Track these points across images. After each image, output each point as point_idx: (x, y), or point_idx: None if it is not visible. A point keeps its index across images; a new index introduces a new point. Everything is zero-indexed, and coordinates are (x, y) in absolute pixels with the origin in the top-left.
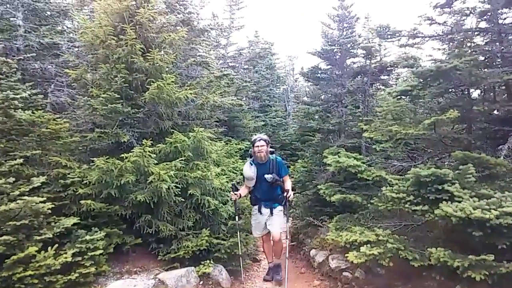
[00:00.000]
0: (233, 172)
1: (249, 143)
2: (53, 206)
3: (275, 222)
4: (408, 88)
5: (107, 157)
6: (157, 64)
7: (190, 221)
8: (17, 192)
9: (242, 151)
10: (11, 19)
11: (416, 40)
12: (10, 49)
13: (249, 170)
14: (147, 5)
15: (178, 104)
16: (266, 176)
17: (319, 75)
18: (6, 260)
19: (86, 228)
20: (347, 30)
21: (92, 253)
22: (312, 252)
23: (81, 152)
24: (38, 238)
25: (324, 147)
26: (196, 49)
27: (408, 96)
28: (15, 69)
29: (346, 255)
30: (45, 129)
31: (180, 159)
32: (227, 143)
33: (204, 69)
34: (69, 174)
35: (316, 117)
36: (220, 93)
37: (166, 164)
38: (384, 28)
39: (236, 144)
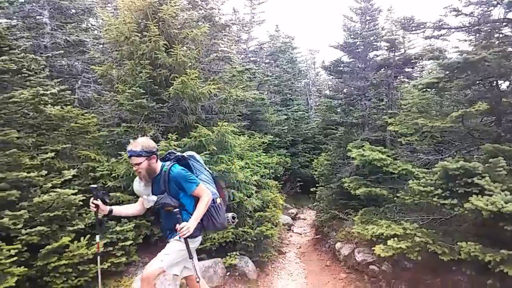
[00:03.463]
0: (256, 166)
1: (272, 137)
2: (84, 198)
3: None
4: (434, 80)
5: None
6: (180, 60)
7: None
8: (49, 185)
9: (265, 144)
10: (38, 17)
11: (441, 32)
12: (37, 47)
13: (137, 184)
14: (170, 2)
15: (201, 98)
16: (148, 198)
17: (341, 68)
18: (41, 250)
19: (116, 219)
20: (369, 22)
21: (123, 244)
22: (338, 245)
23: (109, 146)
24: (71, 228)
25: (348, 140)
26: (218, 44)
27: (434, 89)
28: (43, 66)
29: (373, 248)
30: (74, 124)
31: (204, 152)
32: (250, 137)
33: (226, 64)
34: (98, 167)
35: (339, 110)
36: (243, 87)
37: None
38: (408, 20)
39: (259, 137)
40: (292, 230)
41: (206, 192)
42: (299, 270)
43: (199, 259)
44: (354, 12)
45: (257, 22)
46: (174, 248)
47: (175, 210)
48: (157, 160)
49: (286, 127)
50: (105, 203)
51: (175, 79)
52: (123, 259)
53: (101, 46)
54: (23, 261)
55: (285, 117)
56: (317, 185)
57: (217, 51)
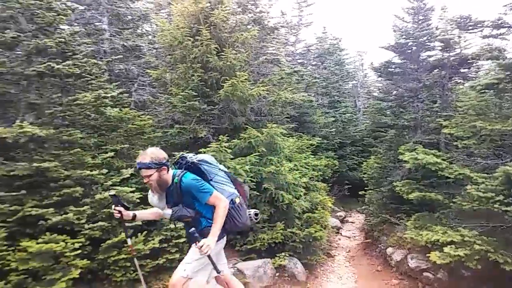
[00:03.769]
0: (305, 168)
1: (319, 139)
2: (141, 196)
3: (187, 257)
4: (494, 81)
5: (187, 151)
6: (231, 63)
7: (265, 214)
8: (109, 182)
9: (313, 147)
10: (97, 24)
11: (501, 31)
12: (97, 52)
13: (151, 196)
14: (221, 6)
15: (251, 100)
16: (165, 212)
17: (392, 69)
18: (102, 244)
19: None
20: (422, 22)
21: (176, 241)
22: (389, 250)
23: (163, 146)
24: (129, 225)
25: (399, 143)
26: (266, 47)
27: (493, 90)
28: (103, 70)
29: (428, 255)
30: (131, 125)
31: (254, 154)
32: (298, 139)
33: (275, 66)
34: None
35: (388, 112)
36: (291, 89)
37: (241, 159)
38: (465, 19)
39: (307, 139)
40: (341, 233)
41: (221, 200)
42: (349, 274)
43: (249, 259)
44: (406, 12)
45: (304, 24)
46: (194, 257)
47: (186, 219)
48: (168, 171)
49: (333, 129)
50: (126, 208)
51: (226, 81)
52: (177, 255)
53: (155, 50)
54: (85, 254)
55: (333, 119)
56: (366, 188)
57: (266, 53)
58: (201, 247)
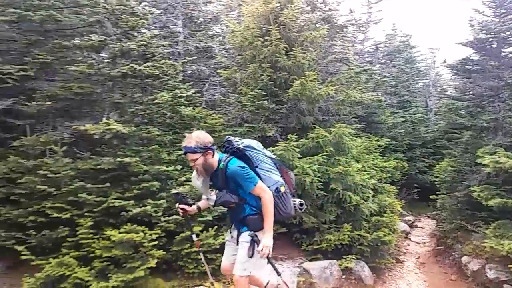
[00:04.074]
0: (373, 169)
1: (388, 140)
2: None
3: (237, 257)
4: None
5: None
6: (299, 62)
7: (332, 215)
8: (183, 178)
9: (382, 148)
10: (172, 26)
11: None
12: (172, 54)
13: (195, 179)
14: (291, 6)
15: (319, 100)
16: (209, 197)
17: (470, 67)
18: (176, 237)
19: None
20: (505, 16)
21: None
22: (464, 259)
23: None
24: (201, 219)
25: (477, 145)
26: (335, 46)
27: None
28: (178, 71)
29: (509, 266)
30: (203, 124)
31: (321, 154)
32: (366, 140)
33: (344, 65)
34: None
35: (463, 112)
36: (360, 89)
37: (309, 158)
38: None
39: (375, 140)
40: (409, 239)
41: (265, 192)
42: (419, 281)
43: (315, 259)
44: (487, 5)
45: (373, 21)
46: (245, 255)
47: (231, 205)
48: (213, 155)
49: (403, 130)
50: (189, 205)
51: (294, 81)
52: None
53: (226, 51)
54: (161, 246)
55: (402, 119)
56: (437, 192)
57: (334, 52)
58: (261, 251)
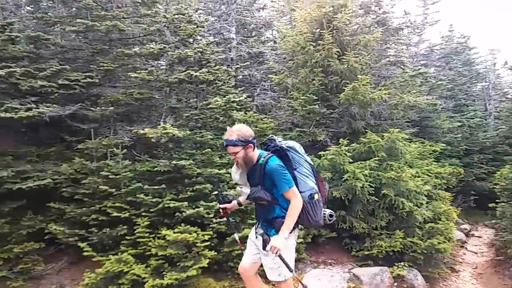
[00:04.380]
0: (427, 175)
1: (443, 145)
2: None
3: (269, 262)
4: None
5: (307, 154)
6: (352, 66)
7: (383, 221)
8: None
9: (437, 153)
10: (225, 33)
11: None
12: (225, 59)
13: (235, 172)
14: (344, 10)
15: (371, 104)
16: (242, 190)
17: None
18: (227, 238)
19: None
20: None
21: None
22: None
23: None
24: (251, 222)
25: None
26: (389, 49)
27: None
28: (231, 77)
29: None
30: (254, 128)
31: (373, 159)
32: (420, 144)
33: (398, 68)
34: None
35: None
36: (414, 92)
37: (360, 163)
38: None
39: (429, 145)
40: (466, 248)
41: (297, 197)
42: None
43: (365, 265)
44: None
45: (429, 23)
46: (273, 261)
47: (262, 202)
48: (254, 149)
49: (459, 135)
50: (229, 202)
51: (346, 85)
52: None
53: (277, 56)
54: (213, 246)
55: (459, 124)
56: (497, 200)
57: (388, 55)
58: (270, 249)
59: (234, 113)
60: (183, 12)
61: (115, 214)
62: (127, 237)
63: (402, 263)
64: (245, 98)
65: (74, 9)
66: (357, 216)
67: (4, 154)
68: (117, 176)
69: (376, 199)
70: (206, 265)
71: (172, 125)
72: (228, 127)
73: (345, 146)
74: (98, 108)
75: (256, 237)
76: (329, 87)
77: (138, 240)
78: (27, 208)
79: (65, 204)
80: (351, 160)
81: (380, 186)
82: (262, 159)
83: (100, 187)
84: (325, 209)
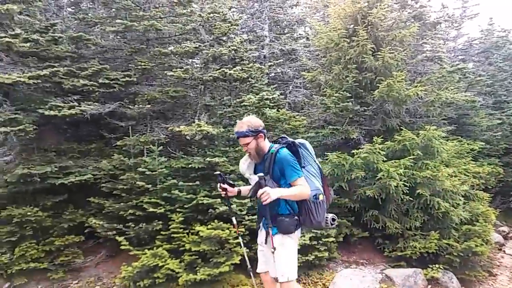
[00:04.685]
0: (464, 175)
1: (482, 143)
2: None
3: (275, 260)
4: None
5: (340, 152)
6: (387, 62)
7: (418, 221)
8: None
9: (475, 152)
10: (258, 31)
11: None
12: (258, 57)
13: (243, 162)
14: (380, 5)
15: (407, 101)
16: (251, 177)
17: None
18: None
19: None
20: None
21: (325, 240)
22: None
23: (315, 146)
24: None
25: None
26: (426, 44)
27: None
28: (264, 74)
29: None
30: (287, 125)
31: (408, 157)
32: (457, 143)
33: (435, 64)
34: None
35: None
36: (452, 89)
37: (395, 162)
38: None
39: (467, 144)
40: (504, 251)
41: (306, 185)
42: None
43: (398, 266)
44: None
45: (468, 16)
46: (283, 257)
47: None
48: (264, 139)
49: (499, 133)
50: (231, 186)
51: (381, 82)
52: (325, 254)
53: (310, 53)
54: (245, 243)
55: (499, 121)
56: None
57: (424, 51)
58: (261, 194)
59: (267, 111)
60: (218, 10)
61: (151, 209)
62: (162, 233)
63: (437, 265)
64: (278, 95)
65: (113, 10)
66: (390, 216)
67: (48, 150)
68: (153, 173)
69: (411, 198)
70: (238, 262)
71: (206, 123)
72: (238, 120)
73: (379, 144)
74: (135, 106)
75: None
76: (363, 84)
77: (172, 235)
78: (69, 203)
79: (104, 199)
80: (385, 159)
81: (415, 185)
82: (274, 149)
83: (137, 183)
84: (327, 214)
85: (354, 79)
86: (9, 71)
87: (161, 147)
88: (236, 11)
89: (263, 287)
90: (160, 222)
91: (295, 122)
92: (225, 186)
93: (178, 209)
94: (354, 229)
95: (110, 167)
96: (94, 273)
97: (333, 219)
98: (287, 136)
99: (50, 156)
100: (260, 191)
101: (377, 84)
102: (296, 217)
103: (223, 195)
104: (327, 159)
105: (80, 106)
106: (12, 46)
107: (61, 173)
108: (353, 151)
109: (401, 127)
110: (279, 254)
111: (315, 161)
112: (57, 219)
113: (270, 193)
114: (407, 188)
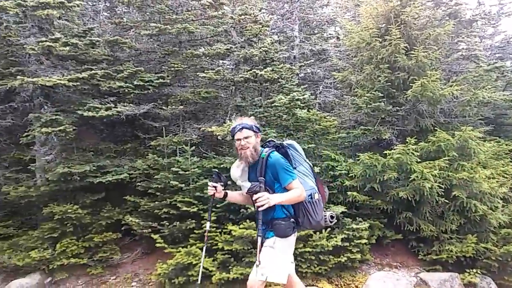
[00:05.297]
0: (503, 176)
1: None
2: (330, 192)
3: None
4: None
5: (372, 152)
6: (421, 61)
7: (454, 225)
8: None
9: None
10: (288, 31)
11: None
12: (288, 58)
13: (235, 168)
14: (413, 3)
15: (441, 101)
16: (243, 184)
17: None
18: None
19: (351, 217)
20: None
21: (358, 241)
22: None
23: (346, 147)
24: None
25: None
26: (461, 42)
27: None
28: (294, 75)
29: None
30: (318, 126)
31: (443, 158)
32: (495, 144)
33: (471, 62)
34: (337, 166)
35: None
36: (489, 88)
37: (429, 163)
38: None
39: (506, 144)
40: None
41: (300, 189)
42: None
43: (433, 270)
44: None
45: (506, 13)
46: (270, 258)
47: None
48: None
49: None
50: (224, 187)
51: (414, 81)
52: (358, 256)
53: (340, 53)
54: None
55: None
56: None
57: (460, 49)
58: (259, 197)
59: (298, 111)
60: (249, 12)
61: (184, 208)
62: (196, 231)
63: (474, 270)
64: (309, 96)
65: (147, 13)
66: (424, 218)
67: (86, 150)
68: (186, 172)
69: (446, 201)
70: None
71: None
72: (233, 120)
73: (412, 145)
74: (168, 107)
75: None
76: (396, 84)
77: (205, 234)
78: (106, 201)
79: (140, 198)
80: (418, 160)
81: (450, 187)
82: (264, 153)
83: (171, 182)
84: (325, 212)
85: (386, 78)
86: (50, 74)
87: (194, 147)
88: (266, 12)
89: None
90: (193, 221)
91: (326, 122)
92: (216, 185)
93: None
94: (387, 231)
95: (145, 167)
96: (131, 270)
97: (332, 216)
98: (274, 140)
99: (89, 156)
100: (257, 195)
101: (410, 84)
102: (292, 220)
103: (210, 194)
104: (358, 160)
105: (116, 107)
106: (53, 50)
107: (98, 172)
108: (385, 152)
109: (435, 128)
110: (265, 253)
111: (305, 160)
112: (96, 217)
113: (270, 199)
114: (442, 190)
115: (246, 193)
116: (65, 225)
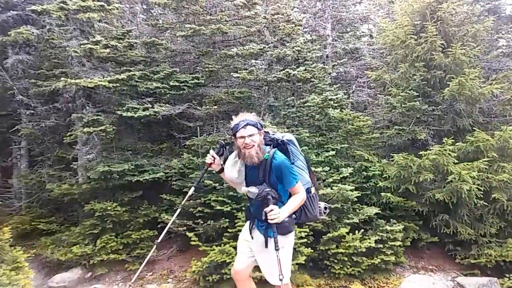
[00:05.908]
0: None
1: None
2: (358, 194)
3: (271, 265)
4: None
5: (406, 153)
6: (458, 59)
7: (493, 228)
8: (330, 179)
9: None
10: (321, 30)
11: None
12: (320, 57)
13: (230, 167)
14: None
15: (480, 100)
16: (249, 189)
17: None
18: (323, 236)
19: (385, 218)
20: None
21: (392, 243)
22: None
23: (379, 147)
24: (347, 221)
25: None
26: (501, 39)
27: None
28: (327, 74)
29: None
30: (351, 126)
31: (482, 159)
32: None
33: (511, 60)
34: (370, 167)
35: None
36: None
37: (467, 164)
38: None
39: None
40: None
41: (303, 192)
42: None
43: (471, 274)
44: None
45: None
46: (285, 260)
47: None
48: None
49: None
50: (224, 161)
51: (451, 80)
52: (392, 258)
53: (374, 51)
54: (309, 244)
55: None
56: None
57: (500, 46)
58: (270, 211)
59: (331, 111)
60: (282, 11)
61: (218, 207)
62: (229, 230)
63: None
64: (342, 95)
65: (183, 15)
66: (462, 221)
67: (125, 149)
68: None
69: (485, 203)
70: (303, 262)
71: (270, 123)
72: (234, 117)
73: (449, 145)
74: (203, 107)
75: (252, 238)
76: (432, 82)
77: (238, 233)
78: (143, 199)
79: (175, 196)
80: (456, 161)
81: (490, 189)
82: (267, 154)
83: (205, 181)
84: (319, 202)
85: (422, 77)
86: (91, 76)
87: (228, 147)
88: (298, 11)
89: (238, 283)
90: (227, 220)
91: (359, 122)
92: (217, 157)
93: (243, 208)
94: (422, 234)
95: (180, 166)
96: (167, 266)
97: (326, 207)
98: (269, 131)
99: (127, 155)
100: (268, 209)
101: (447, 82)
102: (294, 216)
103: (207, 162)
104: (392, 161)
105: (153, 108)
106: (94, 52)
107: (136, 171)
108: (420, 153)
109: (473, 128)
110: (280, 256)
111: (300, 153)
112: (134, 214)
113: (280, 214)
114: (481, 192)
115: (256, 198)
116: (105, 222)
